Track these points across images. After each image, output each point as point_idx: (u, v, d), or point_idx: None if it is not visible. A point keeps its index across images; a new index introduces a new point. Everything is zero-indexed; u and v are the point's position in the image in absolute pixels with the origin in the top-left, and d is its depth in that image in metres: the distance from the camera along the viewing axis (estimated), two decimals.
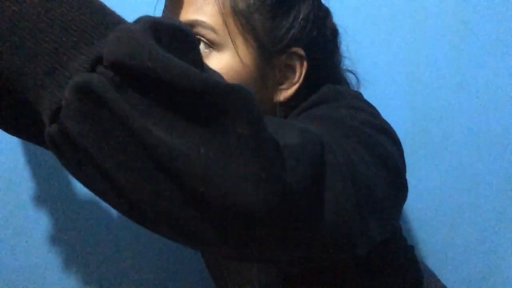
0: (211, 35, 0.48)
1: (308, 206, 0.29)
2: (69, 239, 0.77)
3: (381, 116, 0.48)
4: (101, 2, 0.29)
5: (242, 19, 0.49)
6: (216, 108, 0.25)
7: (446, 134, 0.76)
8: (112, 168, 0.25)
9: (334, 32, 0.58)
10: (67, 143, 0.26)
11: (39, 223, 0.76)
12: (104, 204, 0.81)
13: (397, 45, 0.75)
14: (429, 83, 0.76)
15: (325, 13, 0.57)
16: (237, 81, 0.48)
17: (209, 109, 0.25)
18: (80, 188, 0.78)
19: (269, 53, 0.50)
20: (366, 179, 0.35)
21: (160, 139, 0.24)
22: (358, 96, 0.53)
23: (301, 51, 0.51)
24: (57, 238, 0.77)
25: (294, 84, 0.52)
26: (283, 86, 0.52)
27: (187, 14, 0.48)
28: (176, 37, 0.27)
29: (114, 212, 0.79)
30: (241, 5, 0.49)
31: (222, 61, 0.48)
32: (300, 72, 0.52)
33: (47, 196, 0.76)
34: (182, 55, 0.27)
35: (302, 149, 0.29)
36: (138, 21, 0.27)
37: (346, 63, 0.65)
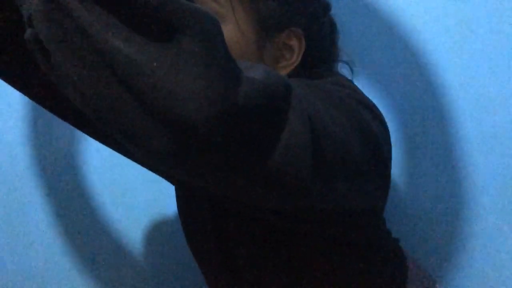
0: (214, 5, 0.49)
1: (256, 134, 0.30)
2: (69, 240, 0.77)
3: (370, 100, 0.48)
4: None
5: None
6: (172, 24, 0.27)
7: (446, 134, 0.76)
8: (73, 72, 0.27)
9: (332, 26, 0.60)
10: (39, 47, 0.28)
11: (39, 223, 0.76)
12: (105, 205, 0.81)
13: (397, 45, 0.75)
14: (429, 83, 0.76)
15: (326, 5, 0.58)
16: (236, 52, 0.49)
17: (165, 24, 0.27)
18: (80, 189, 0.77)
19: (269, 29, 0.51)
20: (333, 135, 0.35)
21: (117, 48, 0.26)
22: (349, 82, 0.54)
23: (300, 31, 0.52)
24: (57, 239, 0.77)
25: (292, 63, 0.53)
26: (280, 65, 0.53)
27: None
28: None
29: (114, 212, 0.79)
30: None
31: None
32: (298, 52, 0.53)
33: (47, 196, 0.76)
34: None
35: (265, 84, 0.31)
36: None
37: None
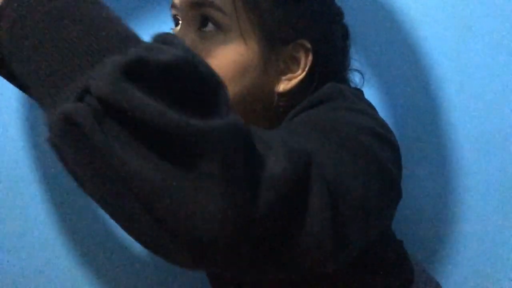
0: (218, 16, 0.48)
1: (280, 230, 0.30)
2: (69, 240, 0.77)
3: (380, 117, 0.48)
4: (114, 17, 0.30)
5: (251, 3, 0.48)
6: (188, 149, 0.27)
7: (446, 134, 0.76)
8: (92, 191, 0.28)
9: (344, 33, 0.58)
10: (59, 156, 0.28)
11: (39, 223, 0.76)
12: None
13: (397, 45, 0.75)
14: (429, 83, 0.76)
15: (337, 12, 0.56)
16: (239, 64, 0.49)
17: (182, 148, 0.27)
18: (80, 189, 0.77)
19: (275, 41, 0.50)
20: (352, 196, 0.35)
21: (136, 171, 0.26)
22: (359, 95, 0.52)
23: (308, 44, 0.51)
24: (57, 239, 0.77)
25: (297, 76, 0.51)
26: (285, 77, 0.52)
27: None
28: (163, 73, 0.28)
29: None
30: None
31: (226, 44, 0.48)
32: (304, 65, 0.51)
33: (47, 196, 0.76)
34: (170, 91, 0.28)
35: (285, 177, 0.30)
36: (135, 48, 0.29)
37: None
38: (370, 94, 0.68)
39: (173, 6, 0.53)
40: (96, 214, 0.77)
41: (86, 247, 0.78)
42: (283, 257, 0.31)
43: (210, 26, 0.49)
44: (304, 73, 0.51)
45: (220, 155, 0.27)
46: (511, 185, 0.77)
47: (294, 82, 0.51)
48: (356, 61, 0.62)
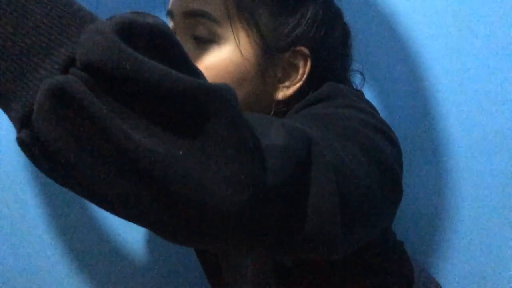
0: (213, 27, 0.47)
1: (288, 206, 0.29)
2: (70, 240, 0.77)
3: (380, 117, 0.48)
4: None
5: (246, 13, 0.48)
6: (195, 111, 0.25)
7: (446, 134, 0.76)
8: (86, 171, 0.25)
9: (344, 34, 0.56)
10: (39, 148, 0.25)
11: (39, 223, 0.76)
12: None
13: (397, 45, 0.75)
14: (429, 83, 0.76)
15: (336, 14, 0.55)
16: (235, 75, 0.48)
17: (188, 111, 0.25)
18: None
19: (271, 50, 0.49)
20: (356, 182, 0.34)
21: (138, 142, 0.24)
22: (360, 95, 0.52)
23: (306, 51, 0.50)
24: (57, 239, 0.77)
25: (296, 83, 0.51)
26: (284, 84, 0.51)
27: (190, 3, 0.48)
28: (153, 36, 0.26)
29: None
30: None
31: (222, 54, 0.48)
32: (302, 72, 0.50)
33: (47, 196, 0.76)
34: (162, 55, 0.26)
35: (287, 149, 0.29)
36: (111, 19, 0.26)
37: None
38: (368, 95, 0.68)
39: (168, 13, 0.52)
40: (97, 214, 0.77)
41: (87, 247, 0.78)
42: (289, 236, 0.30)
43: (205, 36, 0.48)
44: (303, 80, 0.51)
45: (228, 115, 0.26)
46: (511, 185, 0.77)
47: (293, 89, 0.51)
48: (355, 61, 0.62)
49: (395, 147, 0.44)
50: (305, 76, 0.51)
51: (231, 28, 0.47)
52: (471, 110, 0.76)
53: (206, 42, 0.48)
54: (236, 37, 0.47)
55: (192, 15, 0.48)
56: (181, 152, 0.25)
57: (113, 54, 0.24)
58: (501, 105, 0.75)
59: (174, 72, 0.25)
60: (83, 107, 0.23)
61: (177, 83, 0.24)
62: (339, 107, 0.44)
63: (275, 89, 0.51)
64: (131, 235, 0.78)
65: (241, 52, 0.48)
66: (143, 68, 0.24)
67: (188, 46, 0.49)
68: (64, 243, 0.78)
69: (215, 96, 0.26)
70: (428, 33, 0.75)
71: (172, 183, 0.25)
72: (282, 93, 0.51)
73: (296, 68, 0.51)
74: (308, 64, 0.50)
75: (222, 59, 0.48)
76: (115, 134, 0.24)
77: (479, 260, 0.78)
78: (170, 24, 0.52)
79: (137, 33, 0.26)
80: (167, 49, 0.27)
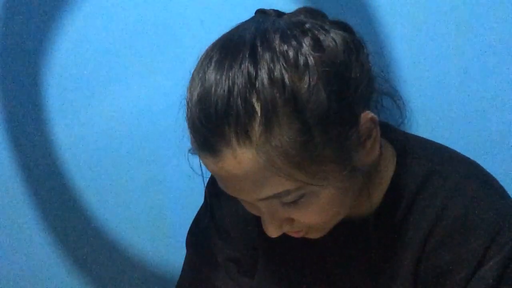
0: (294, 194, 0.44)
1: None
2: (70, 240, 0.77)
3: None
4: None
5: (314, 166, 0.43)
6: None
7: (446, 134, 0.76)
8: None
9: (367, 73, 0.51)
10: None
11: (39, 223, 0.76)
12: (105, 205, 0.81)
13: (397, 45, 0.75)
14: (429, 83, 0.76)
15: (364, 62, 0.51)
16: (331, 206, 0.46)
17: None
18: (80, 189, 0.77)
19: (345, 163, 0.44)
20: None
21: None
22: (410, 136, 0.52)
23: (367, 114, 0.45)
24: (57, 238, 0.77)
25: (375, 144, 0.47)
26: (368, 160, 0.47)
27: (254, 194, 0.44)
28: None
29: (114, 213, 0.79)
30: (295, 154, 0.41)
31: (311, 201, 0.45)
32: (375, 133, 0.46)
33: (47, 196, 0.76)
34: None
35: None
36: None
37: None
38: None
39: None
40: (97, 214, 0.77)
41: (87, 247, 0.78)
42: None
43: (294, 200, 0.45)
44: (379, 136, 0.47)
45: None
46: (511, 185, 0.77)
47: (372, 157, 0.47)
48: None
49: None
50: (379, 133, 0.47)
51: (310, 184, 0.43)
52: (471, 110, 0.76)
53: (297, 199, 0.45)
54: (313, 186, 0.44)
55: (269, 199, 0.45)
56: None
57: None
58: (501, 105, 0.75)
59: None
60: None
61: None
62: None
63: (363, 170, 0.47)
64: (131, 236, 0.78)
65: (324, 189, 0.44)
66: None
67: (277, 208, 0.46)
68: (65, 243, 0.78)
69: None
70: (428, 33, 0.75)
71: None
72: (369, 162, 0.47)
73: (368, 136, 0.46)
74: (375, 120, 0.46)
75: (313, 203, 0.45)
76: None
77: None
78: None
79: None
80: None
